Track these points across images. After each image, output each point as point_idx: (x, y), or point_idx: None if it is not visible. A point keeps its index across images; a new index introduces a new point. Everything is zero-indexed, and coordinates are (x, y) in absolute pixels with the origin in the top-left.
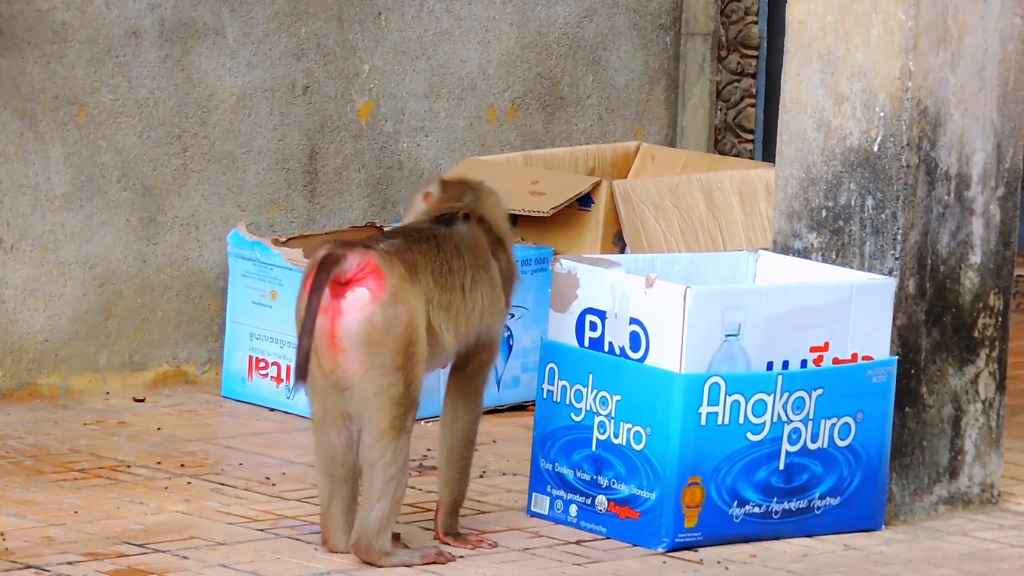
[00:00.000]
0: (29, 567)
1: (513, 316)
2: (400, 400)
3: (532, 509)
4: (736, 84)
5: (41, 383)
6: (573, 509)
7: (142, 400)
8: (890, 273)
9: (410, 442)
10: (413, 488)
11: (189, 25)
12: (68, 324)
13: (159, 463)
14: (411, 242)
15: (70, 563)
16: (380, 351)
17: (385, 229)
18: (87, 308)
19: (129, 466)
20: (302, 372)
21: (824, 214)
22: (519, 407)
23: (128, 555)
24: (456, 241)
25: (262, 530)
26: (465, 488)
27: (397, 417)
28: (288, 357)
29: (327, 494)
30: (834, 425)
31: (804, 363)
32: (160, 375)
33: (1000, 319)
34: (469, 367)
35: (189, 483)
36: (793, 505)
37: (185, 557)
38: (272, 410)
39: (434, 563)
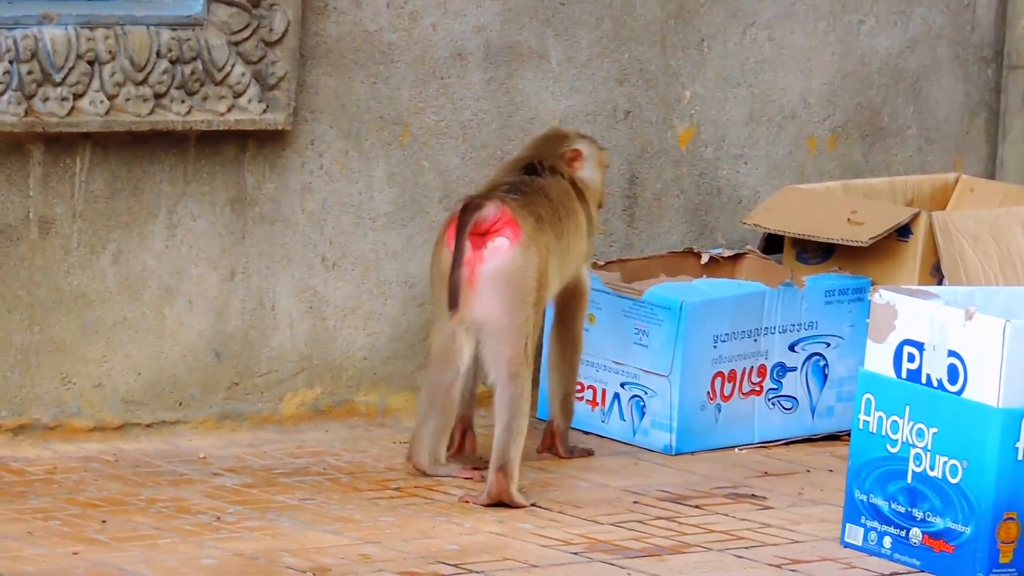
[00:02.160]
0: None
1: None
2: (531, 335)
3: (846, 540)
4: None
5: (359, 401)
6: (887, 541)
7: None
8: None
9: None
10: (732, 516)
11: (514, 48)
12: (387, 343)
13: (473, 484)
14: (529, 194)
15: None
16: (518, 292)
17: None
18: (406, 327)
19: (444, 486)
20: (454, 302)
21: None
22: (833, 436)
23: (443, 575)
24: (554, 192)
25: (575, 553)
26: (571, 414)
27: (528, 352)
28: (604, 381)
29: (423, 418)
30: None
31: None
32: (476, 396)
33: None
34: (567, 315)
35: (504, 504)
36: None
37: None
38: (587, 433)
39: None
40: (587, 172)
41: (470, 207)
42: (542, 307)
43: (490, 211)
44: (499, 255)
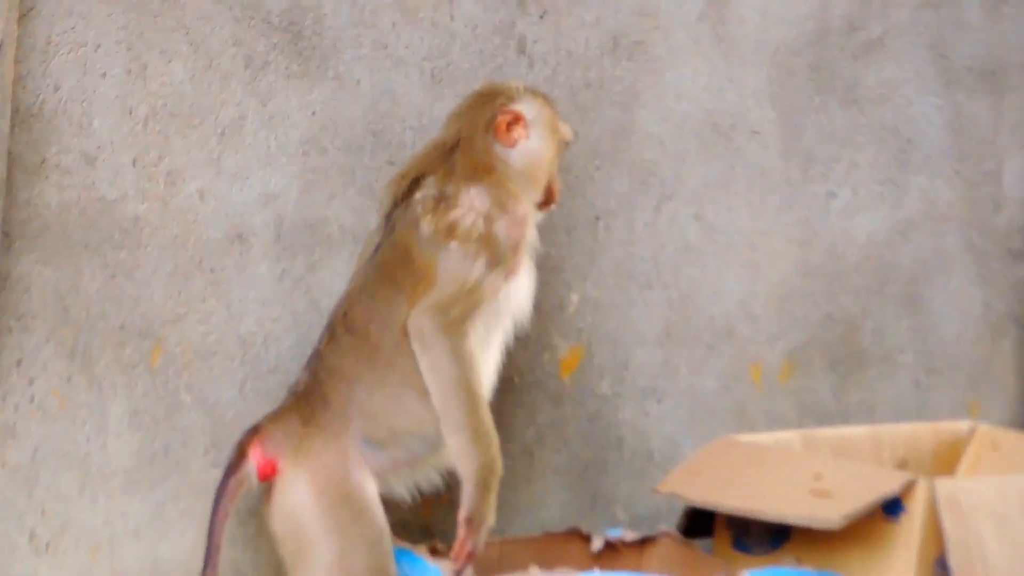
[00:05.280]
0: None
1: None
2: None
3: None
4: None
5: None
6: None
7: None
8: None
9: None
10: None
11: (318, 228)
12: None
13: None
14: (327, 339)
15: None
16: (311, 535)
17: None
18: None
19: None
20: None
21: None
22: None
23: None
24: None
25: None
26: (481, 454)
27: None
28: None
29: None
30: None
31: None
32: None
33: None
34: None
35: None
36: None
37: None
38: None
39: None
40: (532, 143)
41: (228, 471)
42: (365, 529)
43: (251, 460)
44: (270, 503)
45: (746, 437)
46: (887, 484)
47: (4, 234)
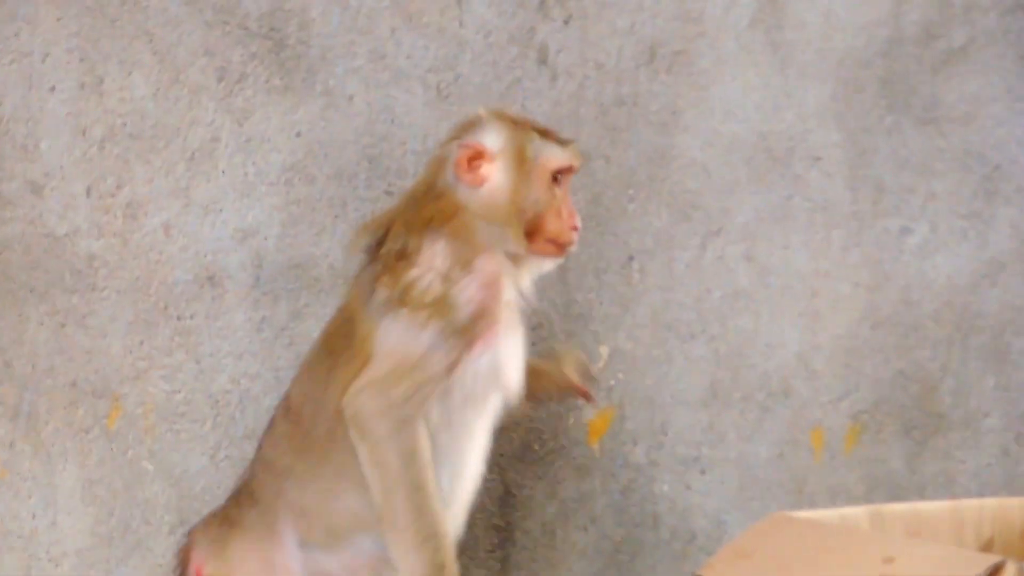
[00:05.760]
0: None
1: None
2: None
3: None
4: None
5: None
6: None
7: None
8: None
9: None
10: None
11: (303, 269)
12: None
13: None
14: (272, 428)
15: None
16: None
17: None
18: None
19: None
20: None
21: None
22: None
23: None
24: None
25: None
26: (425, 562)
27: None
28: None
29: None
30: None
31: None
32: None
33: None
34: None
35: None
36: None
37: None
38: None
39: None
40: (499, 179)
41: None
42: None
43: (191, 570)
44: None
45: (804, 514)
46: (970, 568)
47: None
